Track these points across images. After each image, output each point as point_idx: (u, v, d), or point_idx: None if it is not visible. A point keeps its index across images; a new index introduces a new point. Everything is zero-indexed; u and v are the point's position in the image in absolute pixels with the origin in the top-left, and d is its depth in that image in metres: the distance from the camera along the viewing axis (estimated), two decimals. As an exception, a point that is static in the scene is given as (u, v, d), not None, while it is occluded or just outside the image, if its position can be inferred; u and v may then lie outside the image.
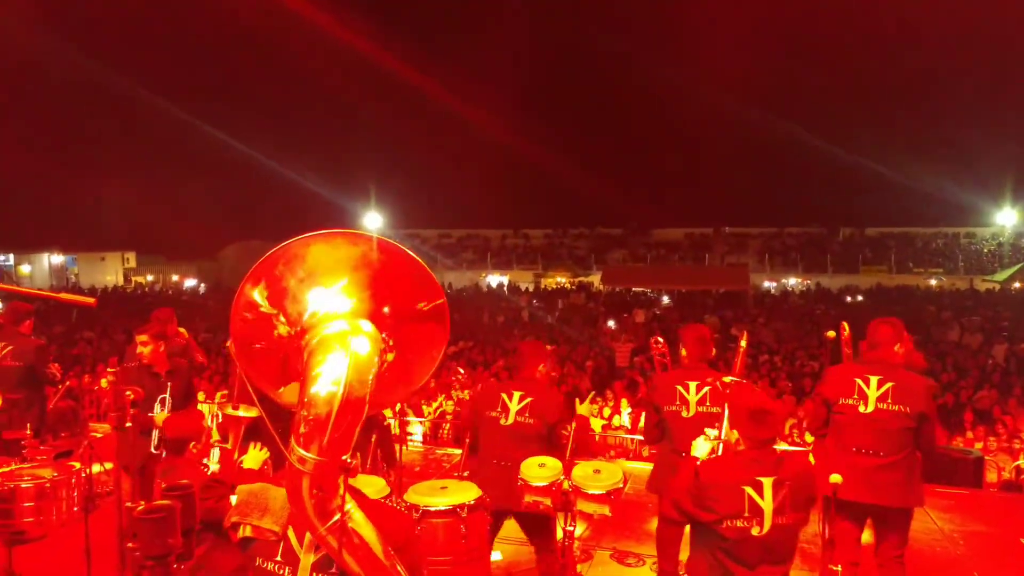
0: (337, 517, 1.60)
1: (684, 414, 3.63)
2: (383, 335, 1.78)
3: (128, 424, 2.81)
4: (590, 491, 3.42)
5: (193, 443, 3.01)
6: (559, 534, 3.46)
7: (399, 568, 1.68)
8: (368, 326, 1.75)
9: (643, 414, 4.77)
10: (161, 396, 4.27)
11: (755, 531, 2.34)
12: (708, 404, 3.57)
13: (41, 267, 39.98)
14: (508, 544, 4.17)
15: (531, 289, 31.47)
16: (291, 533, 1.75)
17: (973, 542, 4.93)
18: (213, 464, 3.45)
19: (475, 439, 3.73)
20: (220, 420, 4.70)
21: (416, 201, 43.48)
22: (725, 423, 2.85)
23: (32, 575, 3.94)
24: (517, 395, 3.58)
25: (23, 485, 3.43)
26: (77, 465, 3.71)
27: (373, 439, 4.53)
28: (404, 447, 5.54)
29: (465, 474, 4.41)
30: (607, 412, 9.45)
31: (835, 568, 3.18)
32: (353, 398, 1.62)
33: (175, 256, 41.41)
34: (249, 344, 1.85)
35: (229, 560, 2.13)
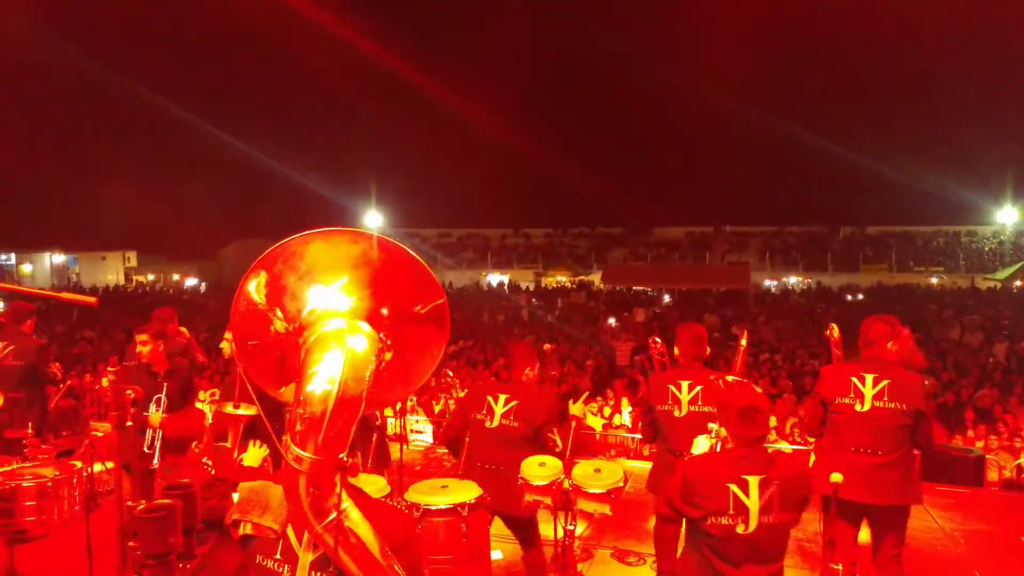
0: (333, 516, 1.60)
1: (676, 413, 3.64)
2: (381, 334, 1.77)
3: (129, 423, 2.81)
4: (591, 490, 3.43)
5: (195, 443, 3.01)
6: (559, 533, 3.47)
7: (397, 568, 1.68)
8: (366, 325, 1.75)
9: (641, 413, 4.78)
10: (157, 396, 4.27)
11: (740, 529, 2.33)
12: (700, 404, 3.57)
13: (42, 266, 40.02)
14: (508, 543, 4.17)
15: (531, 288, 31.48)
16: (290, 531, 1.75)
17: (974, 541, 4.93)
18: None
19: (460, 442, 3.73)
20: (209, 420, 4.70)
21: (416, 200, 43.54)
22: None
23: (34, 574, 3.95)
24: (503, 398, 3.58)
25: (24, 484, 3.43)
26: (78, 464, 3.72)
27: (374, 438, 4.53)
28: (405, 446, 5.55)
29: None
30: (607, 411, 9.45)
31: (836, 567, 3.18)
32: (348, 396, 1.62)
33: (176, 255, 41.49)
34: (247, 340, 1.85)
35: (233, 558, 2.14)
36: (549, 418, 3.53)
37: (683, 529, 2.54)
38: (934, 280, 31.88)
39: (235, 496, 1.85)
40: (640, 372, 11.17)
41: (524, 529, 3.62)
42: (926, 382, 3.69)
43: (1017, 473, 7.53)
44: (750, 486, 2.34)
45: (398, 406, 5.91)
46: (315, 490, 1.58)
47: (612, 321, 17.57)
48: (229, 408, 3.86)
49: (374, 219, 37.74)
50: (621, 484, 3.52)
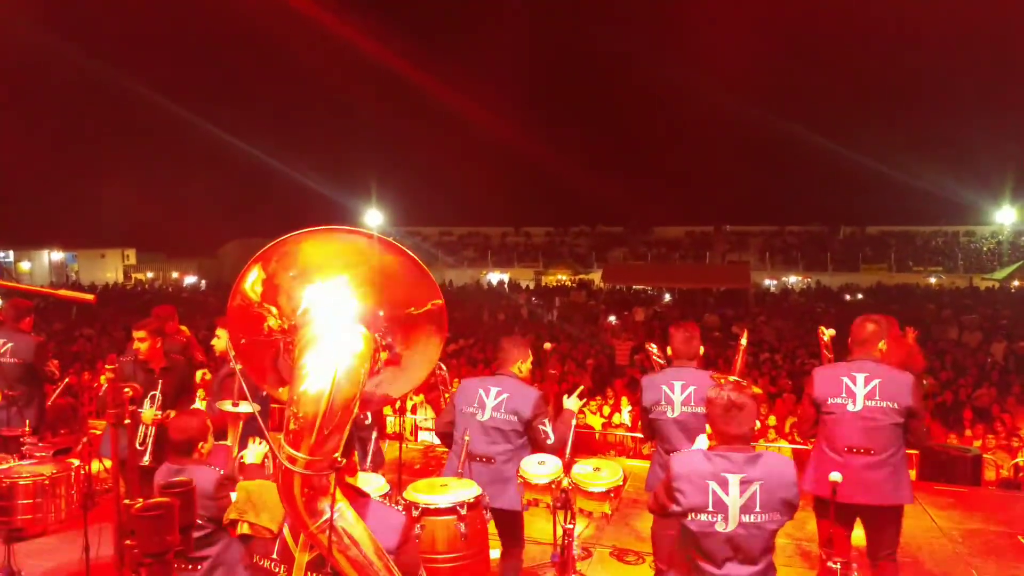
0: (327, 516, 1.59)
1: (669, 414, 3.65)
2: (376, 334, 1.76)
3: (127, 421, 2.80)
4: (590, 489, 3.42)
5: (201, 443, 3.00)
6: (559, 532, 3.46)
7: (393, 568, 1.67)
8: (361, 325, 1.74)
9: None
10: (152, 393, 4.26)
11: (720, 527, 2.33)
12: (693, 404, 3.57)
13: (41, 264, 39.99)
14: (507, 542, 4.16)
15: (532, 287, 31.47)
16: (287, 531, 1.74)
17: (972, 540, 4.93)
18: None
19: (451, 436, 3.72)
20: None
21: (417, 199, 43.48)
22: None
23: (32, 571, 3.94)
24: (494, 391, 3.58)
25: (22, 482, 3.43)
26: (76, 462, 3.71)
27: (374, 437, 4.52)
28: (405, 444, 5.55)
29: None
30: (607, 410, 9.45)
31: (834, 567, 3.18)
32: (342, 397, 1.61)
33: (175, 253, 41.43)
34: (240, 337, 1.84)
35: (244, 558, 2.14)
36: (538, 411, 3.53)
37: None
38: (933, 280, 31.91)
39: (232, 496, 1.85)
40: (640, 371, 11.16)
41: (510, 526, 3.61)
42: (924, 382, 3.69)
43: (1014, 472, 7.53)
44: (730, 484, 2.33)
45: (397, 405, 5.91)
46: (309, 490, 1.57)
47: (612, 319, 17.55)
48: (227, 406, 3.86)
49: (375, 217, 37.70)
50: (620, 483, 3.51)
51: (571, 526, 3.43)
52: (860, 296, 26.79)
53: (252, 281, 1.76)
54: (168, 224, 39.70)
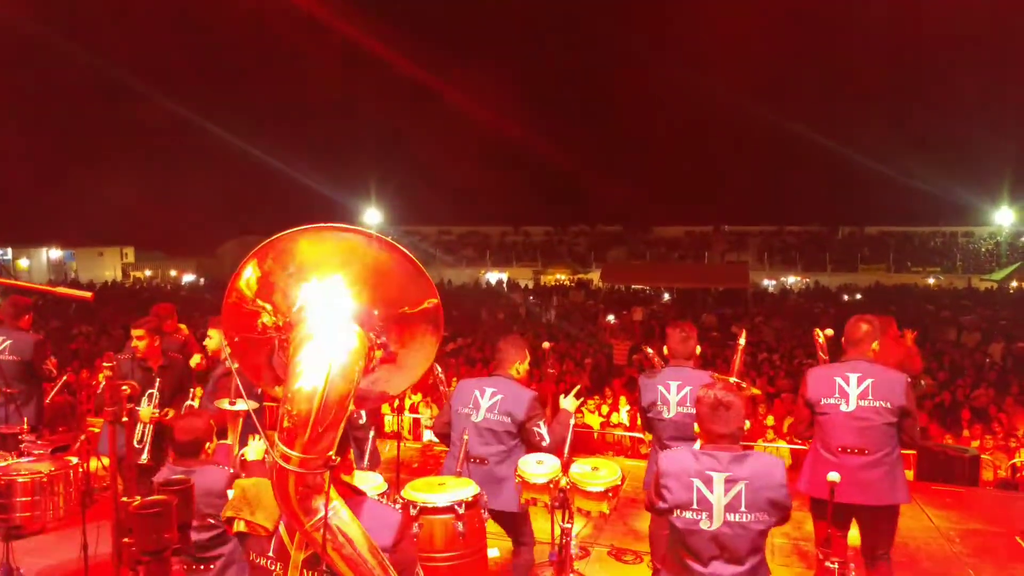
0: (321, 514, 1.59)
1: (665, 414, 3.66)
2: (371, 333, 1.76)
3: (125, 419, 2.80)
4: (588, 488, 3.42)
5: (207, 443, 3.00)
6: (556, 531, 3.47)
7: (388, 566, 1.67)
8: (355, 323, 1.74)
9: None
10: (150, 391, 4.26)
11: (704, 525, 2.33)
12: (688, 405, 3.57)
13: (39, 262, 39.94)
14: (506, 540, 4.17)
15: (530, 286, 31.45)
16: (283, 529, 1.74)
17: (969, 540, 4.94)
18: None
19: (449, 437, 3.73)
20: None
21: (416, 198, 43.47)
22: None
23: (30, 569, 3.94)
24: (489, 392, 3.58)
25: (20, 480, 3.42)
26: (74, 460, 3.71)
27: (371, 436, 4.52)
28: (403, 443, 5.54)
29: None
30: (605, 409, 9.46)
31: (831, 566, 3.18)
32: (336, 395, 1.60)
33: (174, 251, 41.38)
34: (234, 335, 1.84)
35: (243, 555, 2.13)
36: (533, 413, 3.52)
37: None
38: (931, 280, 31.96)
39: (230, 493, 1.85)
40: (638, 370, 11.17)
41: (509, 526, 3.62)
42: (923, 382, 3.69)
43: (1012, 473, 7.55)
44: (714, 482, 2.34)
45: (395, 403, 5.90)
46: (303, 488, 1.57)
47: (611, 318, 17.55)
48: (225, 404, 3.86)
49: (374, 216, 37.68)
50: (619, 483, 3.51)
51: (569, 525, 3.44)
52: (859, 296, 26.81)
53: (247, 278, 1.76)
54: (167, 222, 39.73)
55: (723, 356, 11.12)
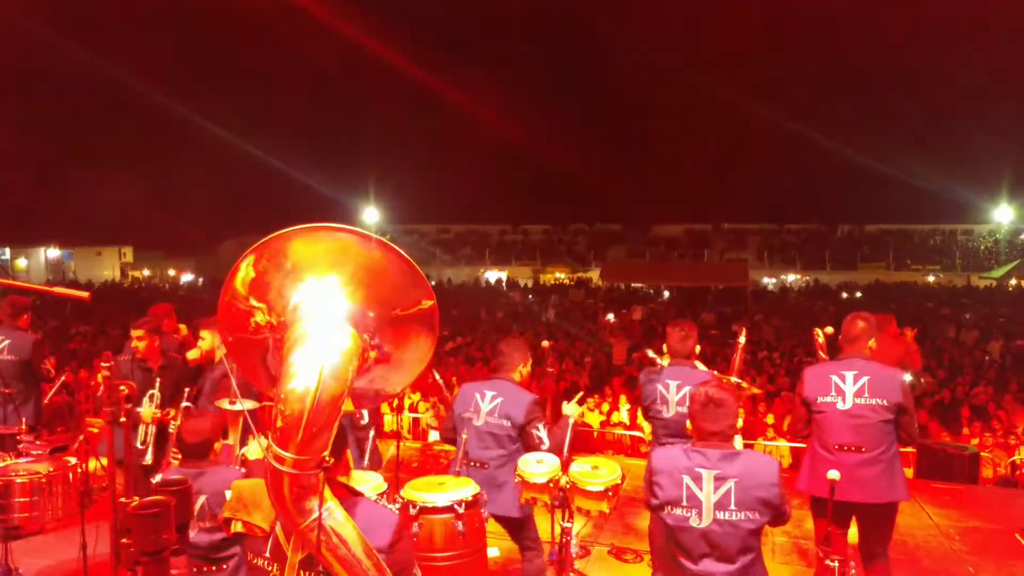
0: (315, 515, 1.58)
1: (664, 413, 3.66)
2: (365, 334, 1.75)
3: (123, 419, 2.79)
4: (588, 487, 3.41)
5: (215, 444, 2.99)
6: (556, 530, 3.46)
7: (384, 567, 1.66)
8: (349, 323, 1.72)
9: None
10: (150, 392, 4.25)
11: (694, 522, 2.33)
12: (687, 404, 3.56)
13: (37, 261, 39.91)
14: (506, 540, 4.17)
15: (530, 285, 31.45)
16: (279, 530, 1.73)
17: (969, 537, 4.94)
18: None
19: (455, 441, 3.72)
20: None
21: (415, 196, 43.38)
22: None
23: (29, 569, 3.94)
24: (489, 395, 3.58)
25: (18, 480, 3.41)
26: (73, 460, 3.70)
27: (371, 435, 4.51)
28: (402, 443, 5.54)
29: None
30: (605, 408, 9.46)
31: (831, 565, 3.18)
32: (329, 395, 1.59)
33: (173, 251, 41.35)
34: (229, 335, 1.83)
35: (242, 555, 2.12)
36: (532, 416, 3.51)
37: None
38: (931, 278, 31.99)
39: (227, 493, 1.84)
40: (637, 369, 11.16)
41: (512, 530, 3.61)
42: (922, 380, 3.69)
43: (1011, 470, 7.55)
44: (703, 480, 2.34)
45: (395, 403, 5.90)
46: (298, 489, 1.56)
47: (611, 317, 17.55)
48: (226, 404, 3.86)
49: (372, 215, 37.62)
50: (619, 482, 3.50)
51: (569, 524, 3.43)
52: (858, 294, 26.82)
53: (242, 277, 1.75)
54: (165, 222, 39.63)
55: (723, 355, 11.12)
